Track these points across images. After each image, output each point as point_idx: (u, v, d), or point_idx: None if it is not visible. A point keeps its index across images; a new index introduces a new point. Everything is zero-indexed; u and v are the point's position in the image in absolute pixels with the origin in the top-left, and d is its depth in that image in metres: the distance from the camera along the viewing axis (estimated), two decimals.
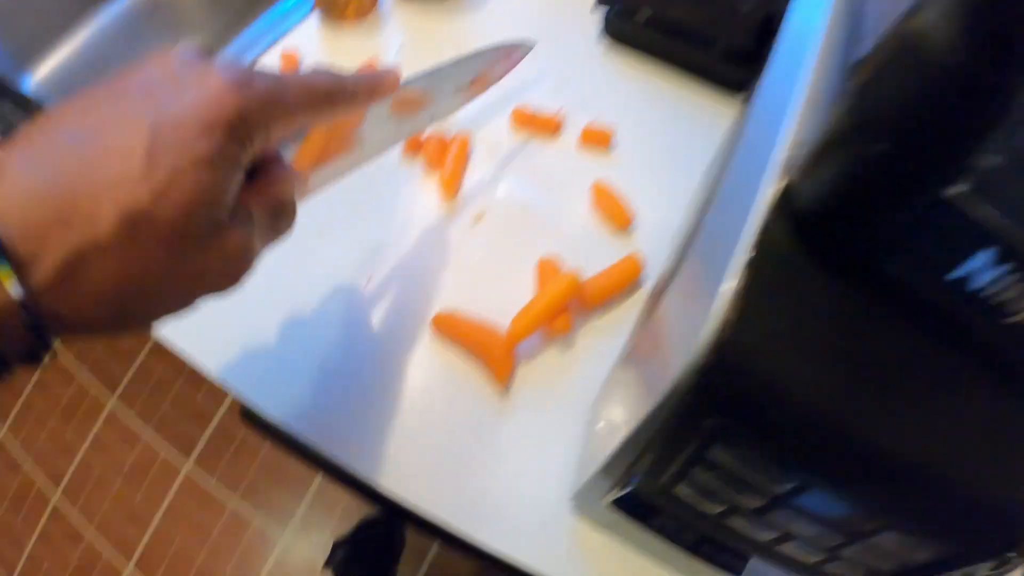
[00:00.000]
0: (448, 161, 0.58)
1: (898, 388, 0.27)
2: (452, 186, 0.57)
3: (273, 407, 0.48)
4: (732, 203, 0.33)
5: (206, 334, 0.50)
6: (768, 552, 0.36)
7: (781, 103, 0.32)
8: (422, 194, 0.58)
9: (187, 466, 1.27)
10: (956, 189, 0.23)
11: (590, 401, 0.48)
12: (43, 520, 1.24)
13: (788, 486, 0.30)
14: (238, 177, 0.29)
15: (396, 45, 0.68)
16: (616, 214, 0.56)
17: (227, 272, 0.31)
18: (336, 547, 1.11)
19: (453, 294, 0.53)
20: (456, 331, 0.50)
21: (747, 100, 0.51)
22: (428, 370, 0.50)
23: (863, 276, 0.26)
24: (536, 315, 0.48)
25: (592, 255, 0.54)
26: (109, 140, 0.26)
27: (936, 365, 0.27)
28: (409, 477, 0.46)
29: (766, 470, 0.30)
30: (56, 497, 1.28)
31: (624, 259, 0.53)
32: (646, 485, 0.37)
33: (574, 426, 0.47)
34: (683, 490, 0.34)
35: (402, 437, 0.47)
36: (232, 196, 0.29)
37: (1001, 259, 0.24)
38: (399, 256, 0.55)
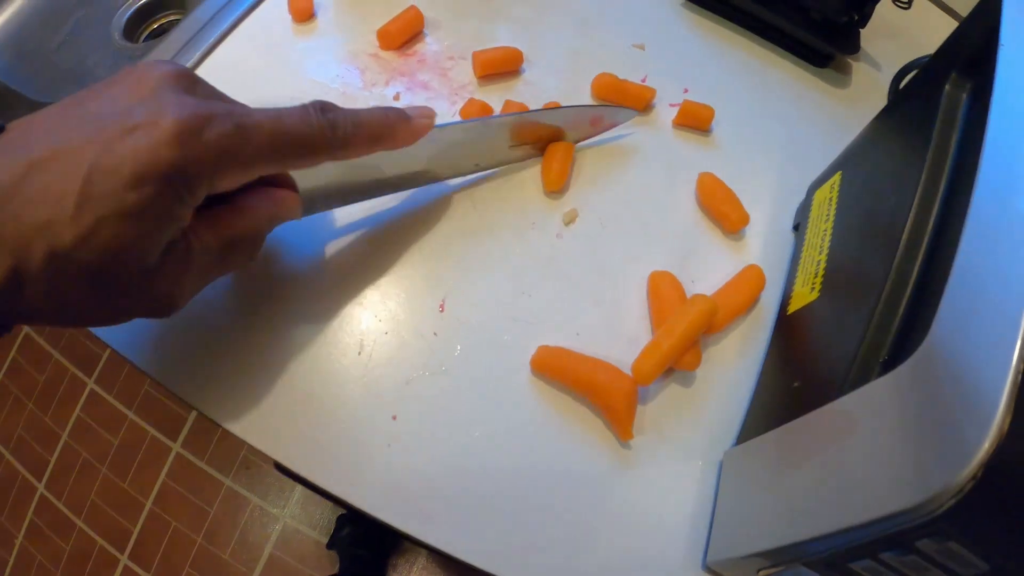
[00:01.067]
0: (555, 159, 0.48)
1: None
2: (558, 177, 0.47)
3: (339, 486, 0.38)
4: (992, 272, 0.25)
5: (247, 409, 0.40)
6: None
7: None
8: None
9: (176, 447, 1.18)
10: None
11: (712, 441, 0.41)
12: (30, 512, 1.14)
13: (981, 570, 0.26)
14: (173, 227, 0.29)
15: None
16: (729, 213, 0.46)
17: (155, 308, 0.31)
18: (341, 523, 1.06)
19: (550, 322, 0.43)
20: (565, 372, 0.40)
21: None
22: (531, 422, 0.40)
23: None
24: (669, 351, 0.39)
25: (704, 265, 0.46)
26: (49, 178, 0.26)
27: None
28: (510, 554, 0.37)
29: (964, 559, 0.26)
30: (42, 487, 1.18)
31: (745, 270, 0.44)
32: (815, 563, 0.31)
33: (696, 476, 0.40)
34: (860, 568, 0.29)
35: (491, 505, 0.38)
36: (161, 244, 0.29)
37: None
38: (474, 272, 0.44)
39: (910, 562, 0.27)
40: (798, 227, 0.48)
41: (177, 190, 0.28)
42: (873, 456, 0.28)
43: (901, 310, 0.34)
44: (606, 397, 0.39)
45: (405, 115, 0.36)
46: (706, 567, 0.38)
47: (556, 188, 0.47)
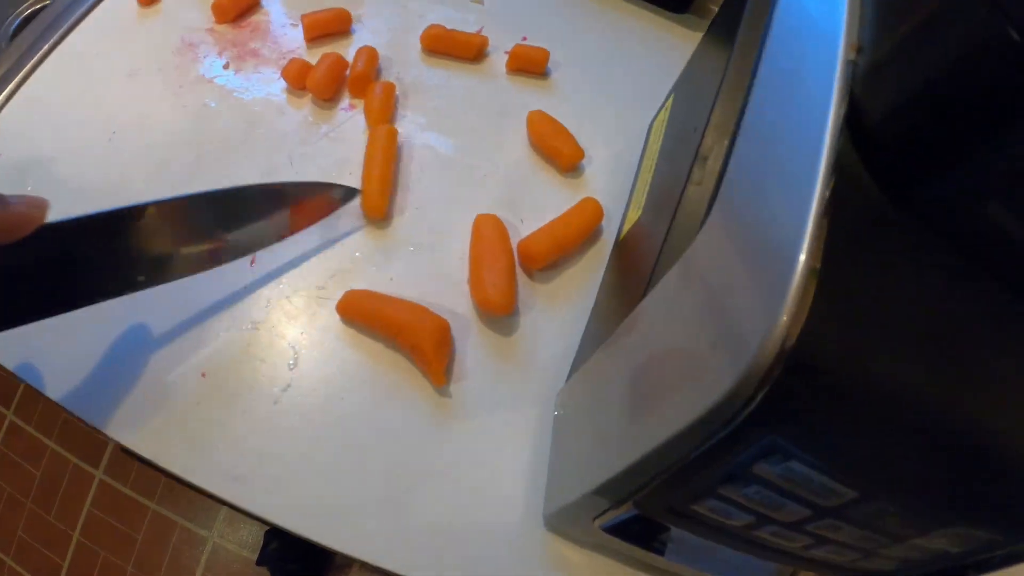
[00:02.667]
0: (374, 97, 0.45)
1: (991, 367, 0.21)
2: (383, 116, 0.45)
3: (142, 443, 0.35)
4: (773, 145, 0.23)
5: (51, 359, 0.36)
6: (791, 557, 0.29)
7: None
8: (309, 138, 0.45)
9: (99, 474, 1.12)
10: None
11: (547, 389, 0.37)
12: None
13: (847, 498, 0.23)
14: None
15: None
16: (562, 151, 0.44)
17: None
18: (268, 538, 1.01)
19: (365, 269, 0.40)
20: (371, 315, 0.37)
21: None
22: (341, 373, 0.37)
23: (958, 225, 0.20)
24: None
25: (537, 205, 0.43)
26: None
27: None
28: (329, 518, 0.34)
29: (823, 484, 0.23)
30: None
31: (581, 203, 0.42)
32: (649, 507, 0.28)
33: (532, 425, 0.37)
34: (702, 508, 0.26)
35: (308, 464, 0.35)
36: None
37: None
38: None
39: (756, 495, 0.24)
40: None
41: None
42: (673, 359, 0.25)
43: (703, 214, 0.31)
44: (412, 337, 0.35)
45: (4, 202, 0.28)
46: (546, 521, 0.34)
47: (383, 118, 0.45)
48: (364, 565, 0.34)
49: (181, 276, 0.34)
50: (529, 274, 0.40)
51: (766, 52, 0.27)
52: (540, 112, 0.45)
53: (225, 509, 1.09)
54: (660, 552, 0.32)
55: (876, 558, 0.28)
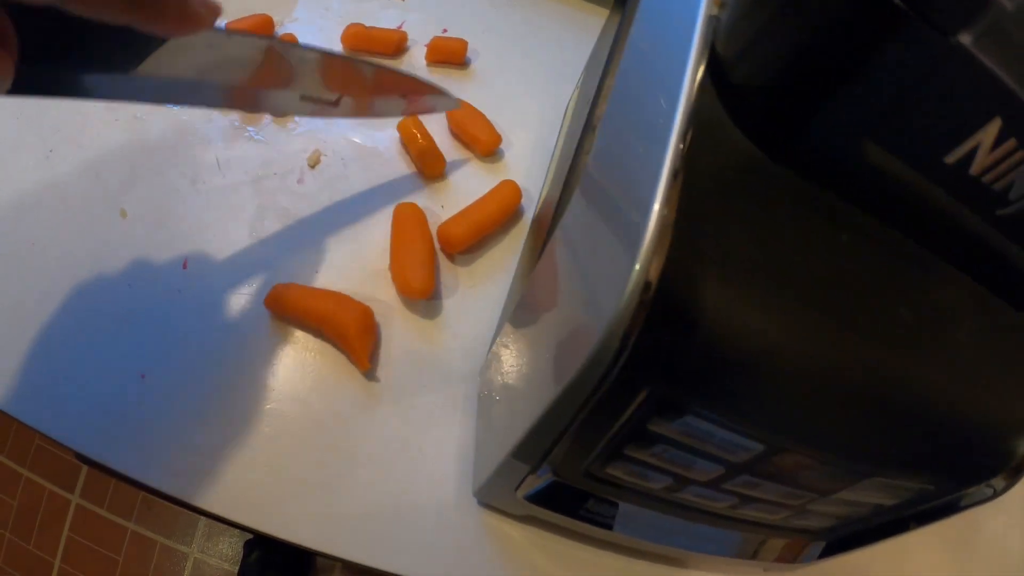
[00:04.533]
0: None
1: (881, 310, 0.21)
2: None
3: (90, 447, 0.35)
4: (637, 101, 0.23)
5: None
6: (725, 519, 0.30)
7: None
8: (235, 142, 0.45)
9: (75, 499, 1.11)
10: (963, 36, 0.15)
11: (472, 369, 0.38)
12: None
13: (751, 453, 0.24)
14: None
15: None
16: (480, 136, 0.44)
17: None
18: (249, 548, 1.01)
19: (292, 265, 0.40)
20: (297, 307, 0.37)
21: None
22: (270, 367, 0.37)
23: (832, 168, 0.20)
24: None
25: (457, 192, 0.44)
26: None
27: (923, 275, 0.22)
28: (262, 504, 0.34)
29: (725, 438, 0.23)
30: None
31: (499, 186, 0.42)
32: (566, 472, 0.29)
33: (459, 404, 0.37)
34: (616, 471, 0.27)
35: (244, 455, 0.35)
36: None
37: (1007, 130, 0.17)
38: (217, 225, 0.41)
39: (665, 454, 0.25)
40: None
41: None
42: (556, 322, 0.26)
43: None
44: (337, 325, 0.36)
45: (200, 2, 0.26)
46: (478, 498, 0.35)
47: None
48: (344, 569, 0.34)
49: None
50: (450, 258, 0.41)
51: (638, 14, 0.27)
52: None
53: (203, 523, 1.08)
54: (606, 526, 0.32)
55: (810, 515, 0.28)
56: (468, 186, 0.44)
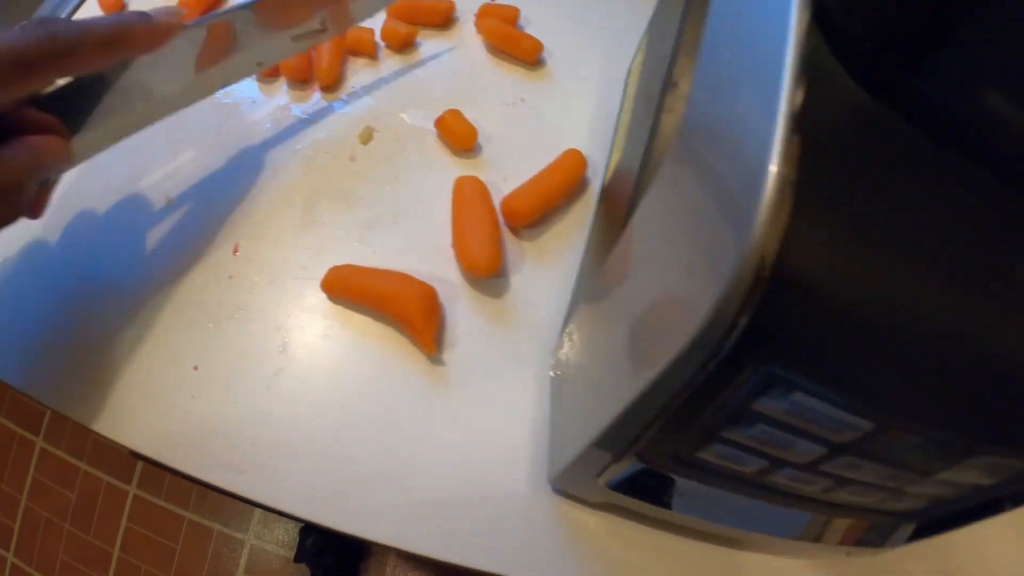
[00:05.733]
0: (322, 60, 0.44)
1: (1008, 279, 0.18)
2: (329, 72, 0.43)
3: (147, 444, 0.34)
4: (737, 52, 0.21)
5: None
6: (813, 502, 0.28)
7: None
8: (283, 123, 0.43)
9: (132, 489, 1.13)
10: None
11: (543, 349, 0.36)
12: None
13: (862, 431, 0.21)
14: None
15: None
16: (520, 44, 0.44)
17: None
18: (304, 534, 1.01)
19: (349, 247, 0.38)
20: (356, 289, 0.35)
21: None
22: (330, 353, 0.35)
23: (954, 120, 0.17)
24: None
25: (517, 162, 0.41)
26: None
27: None
28: (326, 498, 0.32)
29: (834, 417, 0.21)
30: (11, 555, 1.12)
31: (562, 155, 0.40)
32: (656, 457, 0.26)
33: (530, 387, 0.35)
34: (709, 455, 0.25)
35: (304, 448, 0.33)
36: None
37: None
38: (269, 209, 0.40)
39: (764, 436, 0.22)
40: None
41: None
42: (652, 294, 0.23)
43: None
44: (400, 307, 0.34)
45: (145, 16, 0.32)
46: (553, 485, 0.33)
47: (329, 83, 0.44)
48: (399, 553, 0.32)
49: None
50: (516, 232, 0.39)
51: None
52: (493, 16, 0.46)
53: (259, 511, 1.09)
54: (672, 505, 0.30)
55: (904, 497, 0.26)
56: (531, 157, 0.41)
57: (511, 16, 0.46)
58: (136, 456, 0.35)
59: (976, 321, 0.18)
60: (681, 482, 0.29)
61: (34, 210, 0.33)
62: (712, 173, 0.19)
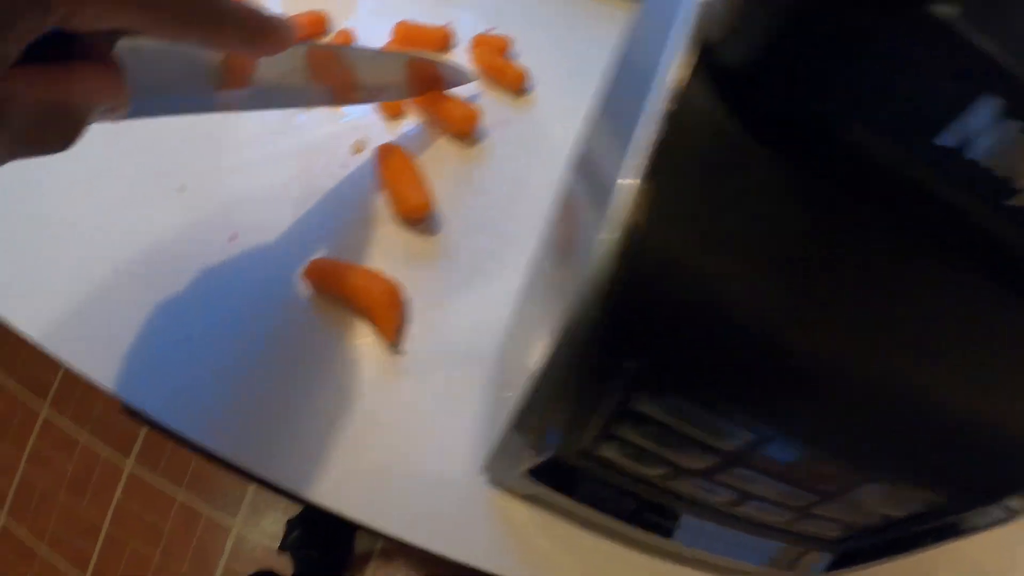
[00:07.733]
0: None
1: (877, 298, 0.20)
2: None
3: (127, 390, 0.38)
4: (630, 85, 0.23)
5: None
6: (725, 517, 0.29)
7: None
8: (286, 123, 0.47)
9: (129, 465, 1.17)
10: (946, 9, 0.15)
11: (499, 347, 0.39)
12: None
13: (742, 440, 0.23)
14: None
15: None
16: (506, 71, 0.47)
17: None
18: (290, 526, 1.04)
19: (337, 244, 0.43)
20: (331, 280, 0.40)
21: None
22: (305, 336, 0.40)
23: (819, 149, 0.19)
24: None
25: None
26: None
27: (919, 265, 0.20)
28: (288, 461, 0.36)
29: (709, 422, 0.23)
30: (2, 519, 1.17)
31: None
32: (565, 449, 0.28)
33: (480, 383, 0.39)
34: (610, 452, 0.27)
35: (276, 414, 0.37)
36: None
37: (1009, 111, 0.16)
38: (269, 203, 0.44)
39: (652, 436, 0.24)
40: None
41: None
42: (551, 286, 0.26)
43: None
44: (365, 298, 0.38)
45: (281, 20, 0.29)
46: (486, 473, 0.36)
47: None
48: (383, 550, 0.36)
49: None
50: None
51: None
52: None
53: (248, 498, 1.12)
54: (583, 500, 0.32)
55: (816, 519, 0.27)
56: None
57: (502, 46, 0.50)
58: (129, 413, 0.39)
59: (833, 336, 0.20)
60: (594, 479, 0.30)
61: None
62: (592, 180, 0.22)
